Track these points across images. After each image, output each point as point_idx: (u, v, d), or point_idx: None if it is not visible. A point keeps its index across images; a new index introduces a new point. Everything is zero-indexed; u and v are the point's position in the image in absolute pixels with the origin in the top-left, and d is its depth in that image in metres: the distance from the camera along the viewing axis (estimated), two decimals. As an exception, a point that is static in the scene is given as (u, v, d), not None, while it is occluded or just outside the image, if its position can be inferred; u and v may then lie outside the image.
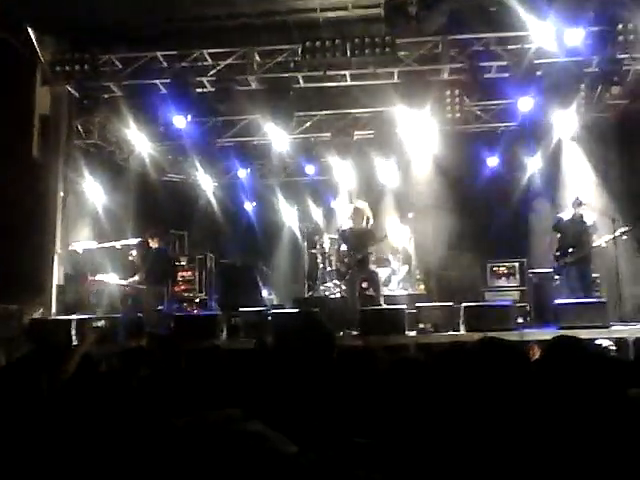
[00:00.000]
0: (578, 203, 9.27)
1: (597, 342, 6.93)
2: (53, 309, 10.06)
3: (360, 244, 9.32)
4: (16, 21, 10.55)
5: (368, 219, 9.57)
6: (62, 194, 11.57)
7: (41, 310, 9.85)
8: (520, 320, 8.72)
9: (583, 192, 9.71)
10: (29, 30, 10.78)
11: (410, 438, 2.07)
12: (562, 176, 11.61)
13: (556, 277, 9.41)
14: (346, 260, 9.44)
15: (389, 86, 11.00)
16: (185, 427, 1.52)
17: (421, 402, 2.36)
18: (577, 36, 9.61)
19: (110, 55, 11.11)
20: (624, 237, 9.14)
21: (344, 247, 9.60)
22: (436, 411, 2.32)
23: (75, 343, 4.62)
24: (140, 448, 1.88)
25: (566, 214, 9.45)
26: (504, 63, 10.50)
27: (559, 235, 9.39)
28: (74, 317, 8.51)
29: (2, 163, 10.28)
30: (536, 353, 6.05)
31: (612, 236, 9.02)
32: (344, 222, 9.78)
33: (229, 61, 11.03)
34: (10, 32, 10.56)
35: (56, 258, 10.96)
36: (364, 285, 9.49)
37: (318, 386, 2.34)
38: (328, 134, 12.16)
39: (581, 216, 9.22)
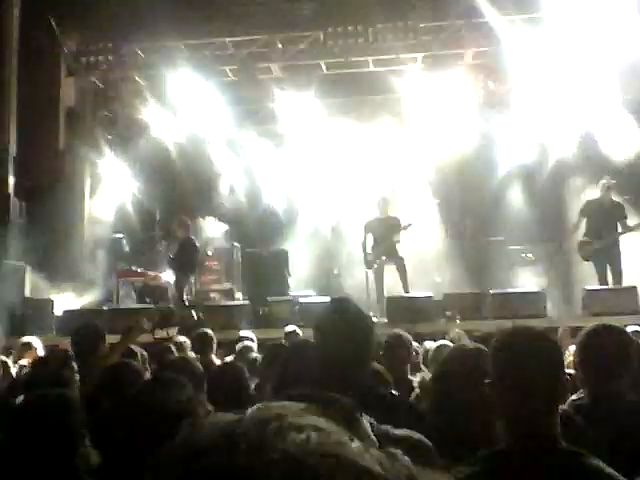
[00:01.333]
0: (607, 186, 9.03)
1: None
2: (85, 300, 10.20)
3: (387, 232, 9.31)
4: (39, 13, 10.62)
5: (391, 207, 9.55)
6: (89, 183, 11.71)
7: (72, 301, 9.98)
8: (549, 306, 8.61)
9: (615, 173, 9.40)
10: (52, 22, 10.85)
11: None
12: (594, 155, 11.16)
13: (585, 262, 9.26)
14: (373, 248, 9.43)
15: (412, 71, 10.88)
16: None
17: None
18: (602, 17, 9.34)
19: (133, 45, 11.15)
20: None
21: (370, 235, 9.58)
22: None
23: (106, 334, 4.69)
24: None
25: (595, 197, 9.23)
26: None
27: (586, 220, 9.16)
28: (106, 308, 8.63)
29: (30, 155, 10.41)
30: (565, 339, 6.00)
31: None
32: (370, 210, 9.75)
33: (252, 49, 11.01)
34: (33, 25, 10.63)
35: (85, 249, 11.11)
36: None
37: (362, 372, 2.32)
38: (351, 119, 12.09)
39: (611, 199, 9.01)
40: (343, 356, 2.27)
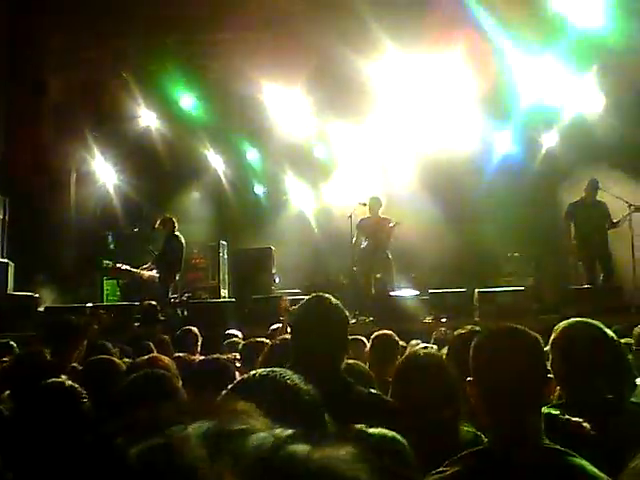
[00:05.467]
0: (593, 186, 8.95)
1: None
2: (68, 296, 10.09)
3: (376, 231, 9.23)
4: (26, 9, 10.50)
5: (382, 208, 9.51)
6: (75, 179, 11.61)
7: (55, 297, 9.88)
8: (535, 306, 8.62)
9: (602, 173, 9.31)
10: (40, 17, 10.72)
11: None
12: (581, 154, 11.00)
13: (571, 263, 9.25)
14: (364, 248, 9.36)
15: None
16: None
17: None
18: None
19: (121, 40, 11.04)
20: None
21: (359, 234, 9.49)
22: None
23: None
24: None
25: (578, 199, 9.13)
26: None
27: (574, 224, 9.05)
28: (89, 305, 8.53)
29: (13, 150, 10.30)
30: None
31: (622, 217, 8.69)
32: (358, 211, 9.64)
33: (239, 45, 10.91)
34: (20, 20, 10.51)
35: (70, 245, 11.01)
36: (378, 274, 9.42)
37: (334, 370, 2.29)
38: (338, 116, 12.02)
39: (596, 200, 8.93)
40: (317, 351, 2.26)
